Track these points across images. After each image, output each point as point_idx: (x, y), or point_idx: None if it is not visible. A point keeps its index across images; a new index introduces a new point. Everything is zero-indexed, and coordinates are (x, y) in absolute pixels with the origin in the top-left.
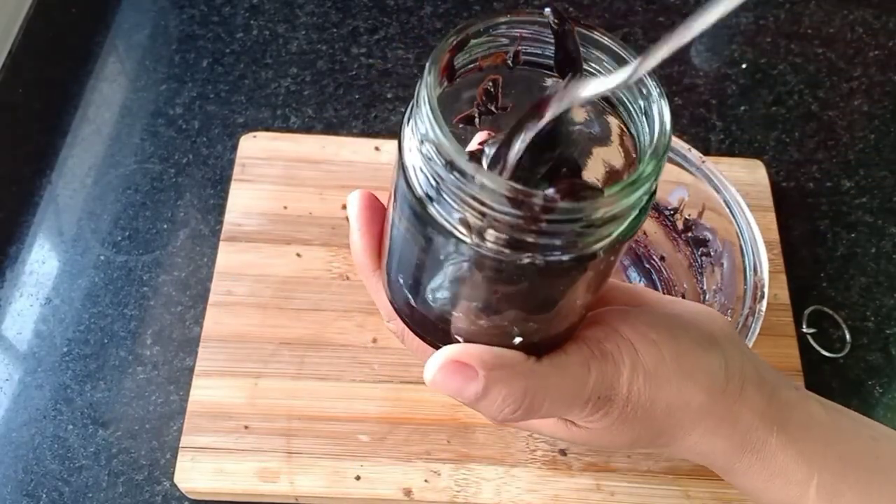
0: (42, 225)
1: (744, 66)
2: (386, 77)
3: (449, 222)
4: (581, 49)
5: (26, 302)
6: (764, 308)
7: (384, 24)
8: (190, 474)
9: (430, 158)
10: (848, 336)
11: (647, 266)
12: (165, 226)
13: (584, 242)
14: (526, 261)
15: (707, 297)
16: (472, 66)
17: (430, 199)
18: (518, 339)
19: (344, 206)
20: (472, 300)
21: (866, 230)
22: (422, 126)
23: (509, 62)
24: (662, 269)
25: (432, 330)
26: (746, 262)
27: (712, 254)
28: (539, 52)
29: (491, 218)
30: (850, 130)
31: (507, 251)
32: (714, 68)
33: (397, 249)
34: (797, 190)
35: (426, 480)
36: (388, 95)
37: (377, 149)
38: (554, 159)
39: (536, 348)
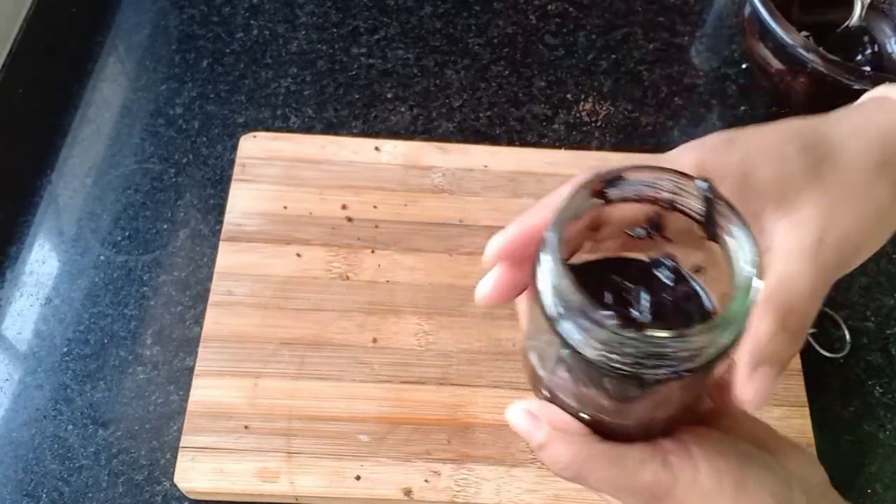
0: (42, 225)
1: (744, 66)
2: (386, 77)
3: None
4: (724, 219)
5: (26, 302)
6: None
7: (384, 24)
8: (190, 474)
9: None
10: (848, 336)
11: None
12: (165, 226)
13: (669, 365)
14: (605, 372)
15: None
16: (633, 196)
17: (555, 314)
18: (587, 418)
19: (344, 206)
20: (564, 389)
21: None
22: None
23: (663, 205)
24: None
25: (534, 381)
26: None
27: None
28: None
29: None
30: None
31: (588, 354)
32: (714, 68)
33: (529, 324)
34: None
35: (426, 480)
36: (388, 95)
37: (377, 149)
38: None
39: (612, 435)
